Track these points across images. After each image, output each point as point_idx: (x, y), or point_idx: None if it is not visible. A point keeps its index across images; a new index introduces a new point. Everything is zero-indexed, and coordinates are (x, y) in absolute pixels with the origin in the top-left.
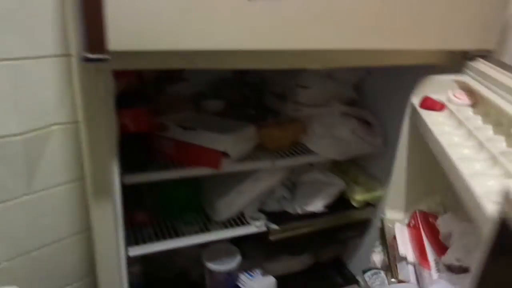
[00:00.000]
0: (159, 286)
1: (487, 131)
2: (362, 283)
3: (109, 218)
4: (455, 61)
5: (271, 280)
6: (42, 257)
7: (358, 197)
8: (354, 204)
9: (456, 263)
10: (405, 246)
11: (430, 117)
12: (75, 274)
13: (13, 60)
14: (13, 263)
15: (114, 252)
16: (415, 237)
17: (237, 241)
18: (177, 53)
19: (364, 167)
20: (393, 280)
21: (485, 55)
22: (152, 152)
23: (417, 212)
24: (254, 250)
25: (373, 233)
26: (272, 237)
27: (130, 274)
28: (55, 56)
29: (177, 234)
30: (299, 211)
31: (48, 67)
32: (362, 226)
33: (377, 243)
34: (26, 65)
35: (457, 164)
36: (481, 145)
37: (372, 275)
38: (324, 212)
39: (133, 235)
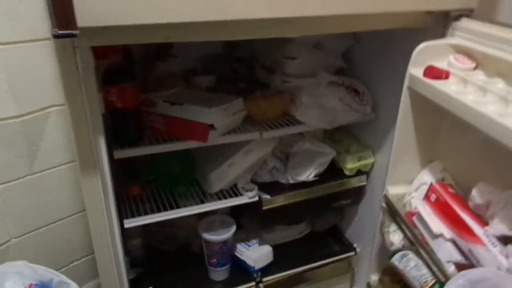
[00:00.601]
0: (161, 258)
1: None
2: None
3: (98, 192)
4: (439, 23)
5: (267, 249)
6: (49, 234)
7: (350, 165)
8: (346, 172)
9: (510, 233)
10: (435, 222)
11: (446, 87)
12: (82, 249)
13: (5, 44)
14: (22, 240)
15: (105, 224)
16: (444, 211)
17: (235, 214)
18: (150, 27)
19: (357, 136)
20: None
21: (468, 14)
22: (142, 128)
23: (433, 183)
24: (251, 222)
25: (367, 200)
26: (265, 207)
27: (132, 247)
28: (47, 39)
29: (172, 206)
30: (291, 181)
31: (41, 51)
32: (355, 194)
33: (387, 221)
34: (18, 49)
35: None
36: None
37: (401, 258)
38: (316, 181)
39: (129, 209)
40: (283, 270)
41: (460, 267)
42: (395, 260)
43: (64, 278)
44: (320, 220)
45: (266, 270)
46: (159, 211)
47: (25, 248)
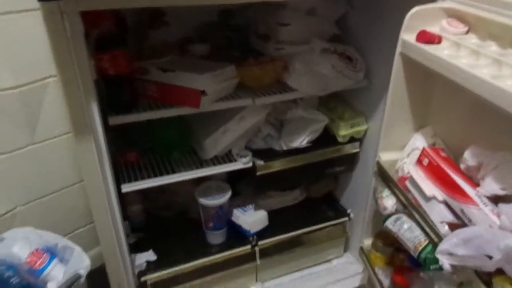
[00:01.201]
0: (161, 224)
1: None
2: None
3: (93, 156)
4: None
5: (262, 214)
6: (53, 202)
7: (343, 132)
8: (339, 139)
9: (501, 192)
10: (427, 186)
11: (439, 52)
12: (86, 217)
13: None
14: (27, 207)
15: (102, 189)
16: (437, 174)
17: (232, 181)
18: None
19: (351, 103)
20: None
21: None
22: (136, 95)
23: (426, 148)
24: (247, 188)
25: (360, 167)
26: (259, 172)
27: (132, 213)
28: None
29: (168, 172)
30: (284, 147)
31: (36, 21)
32: (349, 161)
33: (380, 187)
34: (12, 19)
35: None
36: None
37: (395, 221)
38: (309, 148)
39: (127, 174)
40: (278, 234)
41: (453, 226)
42: (389, 223)
43: (69, 242)
44: (314, 187)
45: (262, 234)
46: (155, 176)
47: (31, 216)
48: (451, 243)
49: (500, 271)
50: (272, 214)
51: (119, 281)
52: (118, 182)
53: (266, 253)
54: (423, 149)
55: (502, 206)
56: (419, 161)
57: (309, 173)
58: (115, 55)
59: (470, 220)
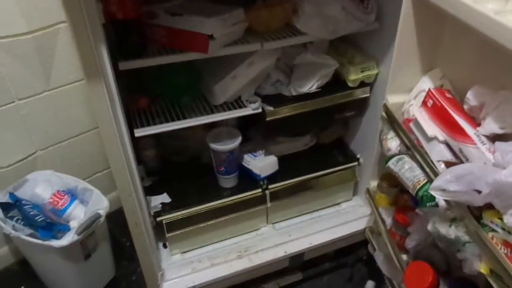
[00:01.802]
0: (175, 168)
1: None
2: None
3: (104, 100)
4: None
5: (272, 159)
6: (72, 147)
7: (352, 76)
8: (349, 84)
9: (500, 131)
10: (429, 127)
11: None
12: (104, 162)
13: None
14: (47, 152)
15: (115, 132)
16: (439, 115)
17: (243, 128)
18: None
19: (362, 48)
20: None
21: None
22: (145, 40)
23: (431, 89)
24: (257, 134)
25: (370, 112)
26: (268, 118)
27: (146, 157)
28: None
29: (179, 118)
30: (293, 92)
31: None
32: (359, 106)
33: (385, 129)
34: None
35: None
36: None
37: (397, 161)
38: (319, 93)
39: (139, 120)
40: (288, 178)
41: (449, 165)
42: (391, 163)
43: (88, 185)
44: (325, 133)
45: (272, 178)
46: (167, 122)
47: (51, 160)
48: (444, 179)
49: (490, 206)
50: (282, 159)
51: (135, 220)
52: (131, 127)
53: (276, 196)
54: (428, 90)
55: (497, 143)
56: (424, 103)
57: (319, 119)
58: None
59: (467, 159)
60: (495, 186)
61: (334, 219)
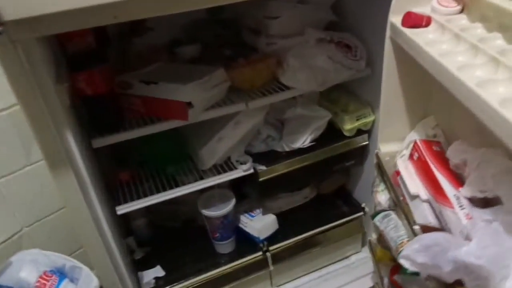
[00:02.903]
0: (168, 235)
1: (495, 41)
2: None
3: (74, 188)
4: None
5: (271, 218)
6: (58, 221)
7: (348, 126)
8: (345, 133)
9: (480, 195)
10: (414, 183)
11: (419, 37)
12: None
13: None
14: (33, 228)
15: (88, 218)
16: (423, 170)
17: (238, 184)
18: (92, 9)
19: (355, 94)
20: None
21: None
22: (121, 112)
23: (417, 141)
24: (254, 192)
25: (371, 159)
26: (261, 178)
27: (137, 227)
28: None
29: (164, 187)
30: (286, 148)
31: None
32: (358, 154)
33: (377, 180)
34: None
35: (472, 87)
36: (494, 60)
37: (383, 218)
38: (313, 146)
39: (122, 194)
40: (290, 237)
41: (426, 229)
42: (377, 220)
43: (76, 262)
44: (325, 183)
45: (272, 238)
46: (151, 193)
47: (37, 236)
48: (413, 248)
49: (461, 283)
50: (282, 216)
51: None
52: (113, 203)
53: (279, 257)
54: (414, 141)
55: (473, 210)
56: (411, 155)
57: (316, 172)
58: (90, 74)
59: (446, 223)
60: (455, 264)
61: (344, 276)
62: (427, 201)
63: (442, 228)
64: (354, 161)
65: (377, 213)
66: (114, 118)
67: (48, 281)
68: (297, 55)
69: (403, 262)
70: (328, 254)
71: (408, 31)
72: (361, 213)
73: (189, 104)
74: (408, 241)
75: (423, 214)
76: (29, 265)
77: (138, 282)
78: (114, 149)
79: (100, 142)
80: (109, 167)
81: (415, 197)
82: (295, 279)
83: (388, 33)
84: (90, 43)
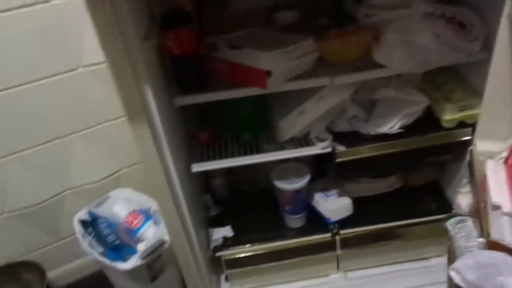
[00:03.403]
0: (244, 199)
1: None
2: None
3: (149, 143)
4: None
5: (346, 201)
6: None
7: (448, 116)
8: (443, 124)
9: None
10: (500, 191)
11: None
12: None
13: None
14: (130, 170)
15: (161, 173)
16: None
17: (319, 161)
18: None
19: (465, 80)
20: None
21: None
22: (205, 74)
23: None
24: (333, 172)
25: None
26: (338, 159)
27: (215, 186)
28: None
29: (240, 153)
30: (371, 132)
31: None
32: (457, 149)
33: (465, 181)
34: None
35: None
36: None
37: (457, 223)
38: (403, 133)
39: (200, 153)
40: (364, 225)
41: (492, 246)
42: (449, 224)
43: None
44: (414, 175)
45: (345, 222)
46: (227, 157)
47: (133, 178)
48: (465, 263)
49: None
50: (360, 201)
51: (185, 259)
52: (190, 160)
53: (349, 243)
54: None
55: None
56: (506, 159)
57: (404, 162)
58: (179, 33)
59: None
60: None
61: (419, 277)
62: (510, 214)
63: None
64: (450, 156)
65: (451, 216)
66: (197, 79)
67: (136, 218)
68: (397, 30)
69: (453, 275)
70: (405, 250)
71: None
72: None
73: (269, 73)
74: None
75: (500, 228)
76: (122, 202)
77: (207, 237)
78: (200, 111)
79: (182, 101)
80: (195, 129)
81: (496, 207)
82: (364, 268)
83: (507, 9)
84: (187, 2)
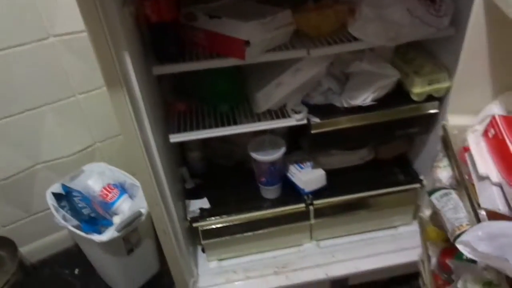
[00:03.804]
0: (219, 172)
1: None
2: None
3: (125, 108)
4: None
5: (320, 173)
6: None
7: (417, 89)
8: (413, 97)
9: None
10: (485, 162)
11: None
12: None
13: None
14: (104, 144)
15: (140, 143)
16: (499, 150)
17: (294, 135)
18: None
19: (434, 55)
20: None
21: None
22: (183, 43)
23: (496, 116)
24: (308, 144)
25: (439, 130)
26: (314, 131)
27: (192, 159)
28: None
29: (217, 124)
30: (345, 104)
31: None
32: (425, 122)
33: (440, 155)
34: None
35: None
36: None
37: (441, 196)
38: (374, 106)
39: (177, 124)
40: (337, 195)
41: (492, 215)
42: (434, 198)
43: (135, 181)
44: (384, 147)
45: (319, 193)
46: (204, 128)
47: (107, 152)
48: (474, 235)
49: None
50: (334, 173)
51: (163, 228)
52: (167, 131)
53: (322, 213)
54: (493, 116)
55: None
56: (485, 132)
57: (375, 134)
58: (156, 0)
59: None
60: None
61: (388, 244)
62: (498, 184)
63: None
64: (418, 129)
65: (435, 190)
66: (176, 48)
67: (110, 192)
68: (372, 4)
69: (461, 248)
70: (375, 220)
71: None
72: (418, 185)
73: (247, 43)
74: (467, 225)
75: (491, 198)
76: (96, 175)
77: (184, 209)
78: (177, 81)
79: (160, 70)
80: (171, 99)
81: (483, 178)
82: (336, 237)
83: None
84: None
